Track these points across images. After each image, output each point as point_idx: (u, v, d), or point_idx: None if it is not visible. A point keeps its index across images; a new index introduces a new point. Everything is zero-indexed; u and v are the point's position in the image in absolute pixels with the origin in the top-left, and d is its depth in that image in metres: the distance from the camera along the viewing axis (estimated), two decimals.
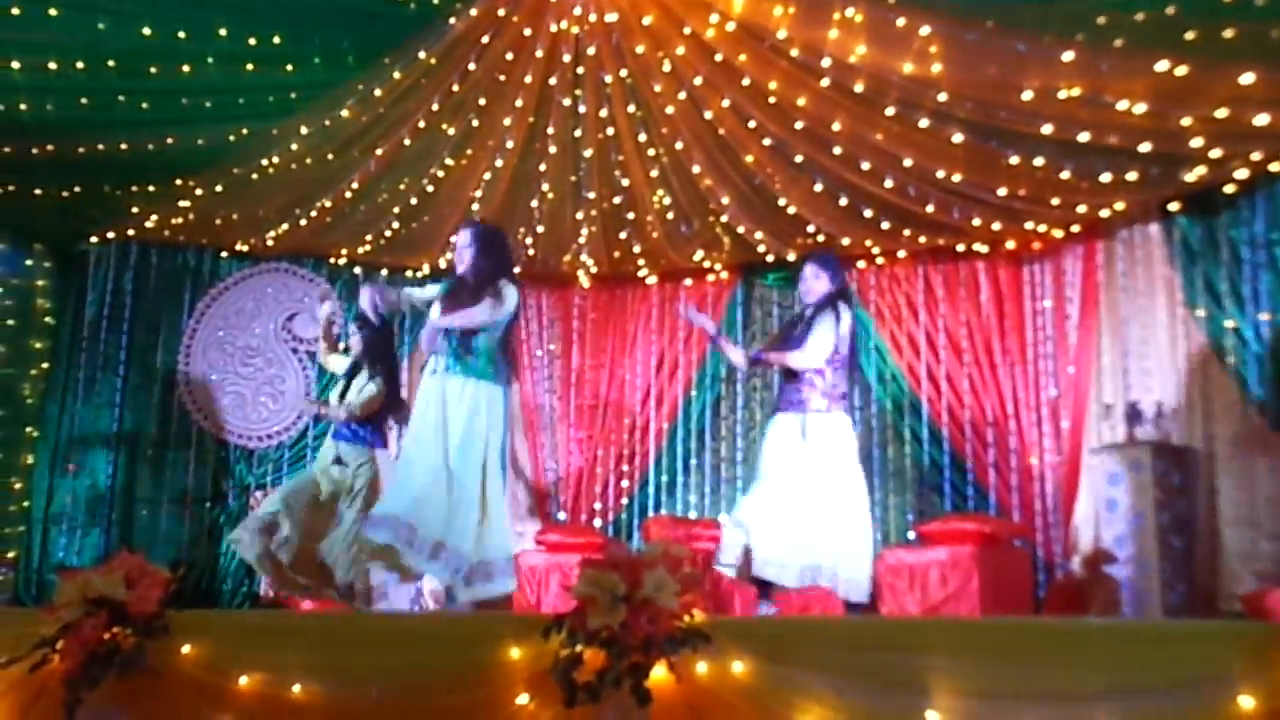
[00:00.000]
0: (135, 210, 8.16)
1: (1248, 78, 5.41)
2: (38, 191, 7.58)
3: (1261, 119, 5.75)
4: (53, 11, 5.67)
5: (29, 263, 8.63)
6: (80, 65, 6.11)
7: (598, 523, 9.15)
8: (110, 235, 8.70)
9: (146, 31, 5.93)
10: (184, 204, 8.01)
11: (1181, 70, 5.45)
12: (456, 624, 4.52)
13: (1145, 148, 6.28)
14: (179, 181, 7.63)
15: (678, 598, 3.36)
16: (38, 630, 3.90)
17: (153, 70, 6.28)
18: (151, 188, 7.74)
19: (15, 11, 5.61)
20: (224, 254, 9.06)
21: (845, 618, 5.30)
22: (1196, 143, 6.11)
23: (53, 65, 6.09)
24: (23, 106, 6.45)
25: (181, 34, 6.02)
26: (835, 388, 5.67)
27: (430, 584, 7.71)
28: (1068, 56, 5.58)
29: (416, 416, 5.33)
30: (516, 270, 6.02)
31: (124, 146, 6.98)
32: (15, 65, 6.06)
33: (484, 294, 5.26)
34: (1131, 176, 6.60)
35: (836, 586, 5.45)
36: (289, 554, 6.10)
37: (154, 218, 8.33)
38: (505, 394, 5.55)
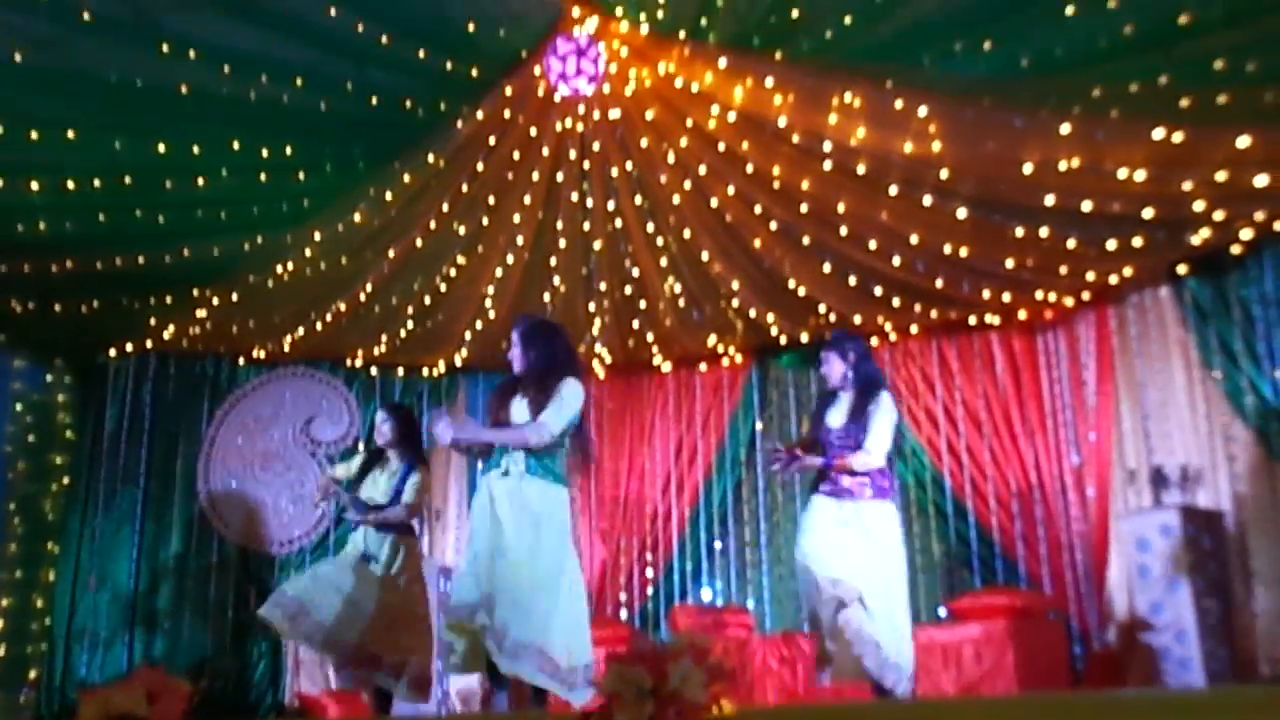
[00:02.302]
0: (153, 322, 8.24)
1: (1244, 141, 5.48)
2: (57, 307, 7.66)
3: (1261, 180, 5.81)
4: (70, 134, 5.81)
5: (49, 378, 8.67)
6: (98, 183, 6.22)
7: (624, 614, 9.06)
8: (129, 348, 8.76)
9: (162, 148, 6.06)
10: (201, 313, 8.10)
11: (1178, 136, 5.53)
12: None
13: (1149, 213, 6.34)
14: (196, 292, 7.72)
15: (706, 688, 3.31)
16: None
17: (168, 184, 6.39)
18: (169, 299, 7.83)
19: (34, 135, 5.74)
20: (241, 361, 9.11)
21: (878, 702, 5.19)
22: (1199, 206, 6.17)
23: (71, 184, 6.19)
24: (42, 226, 6.54)
25: (196, 148, 6.15)
26: (888, 475, 5.43)
27: (458, 684, 7.64)
28: (1065, 129, 5.66)
29: (487, 519, 4.77)
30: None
31: (141, 260, 7.08)
32: (35, 186, 6.17)
33: (548, 396, 4.80)
34: (1137, 242, 6.65)
35: (876, 670, 5.26)
36: (321, 640, 5.84)
37: (171, 328, 8.41)
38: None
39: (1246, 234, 6.58)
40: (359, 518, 6.05)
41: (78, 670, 8.16)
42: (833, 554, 5.27)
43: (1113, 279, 7.45)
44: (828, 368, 5.61)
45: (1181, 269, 7.11)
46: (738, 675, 7.36)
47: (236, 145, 6.18)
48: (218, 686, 8.19)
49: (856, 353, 5.55)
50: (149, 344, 8.73)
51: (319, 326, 8.44)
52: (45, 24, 5.16)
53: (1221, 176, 5.79)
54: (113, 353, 8.80)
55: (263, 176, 6.53)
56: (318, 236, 7.09)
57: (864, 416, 5.36)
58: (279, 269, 7.46)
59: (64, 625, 8.27)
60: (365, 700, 6.26)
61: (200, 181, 6.39)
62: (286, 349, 8.93)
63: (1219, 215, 6.28)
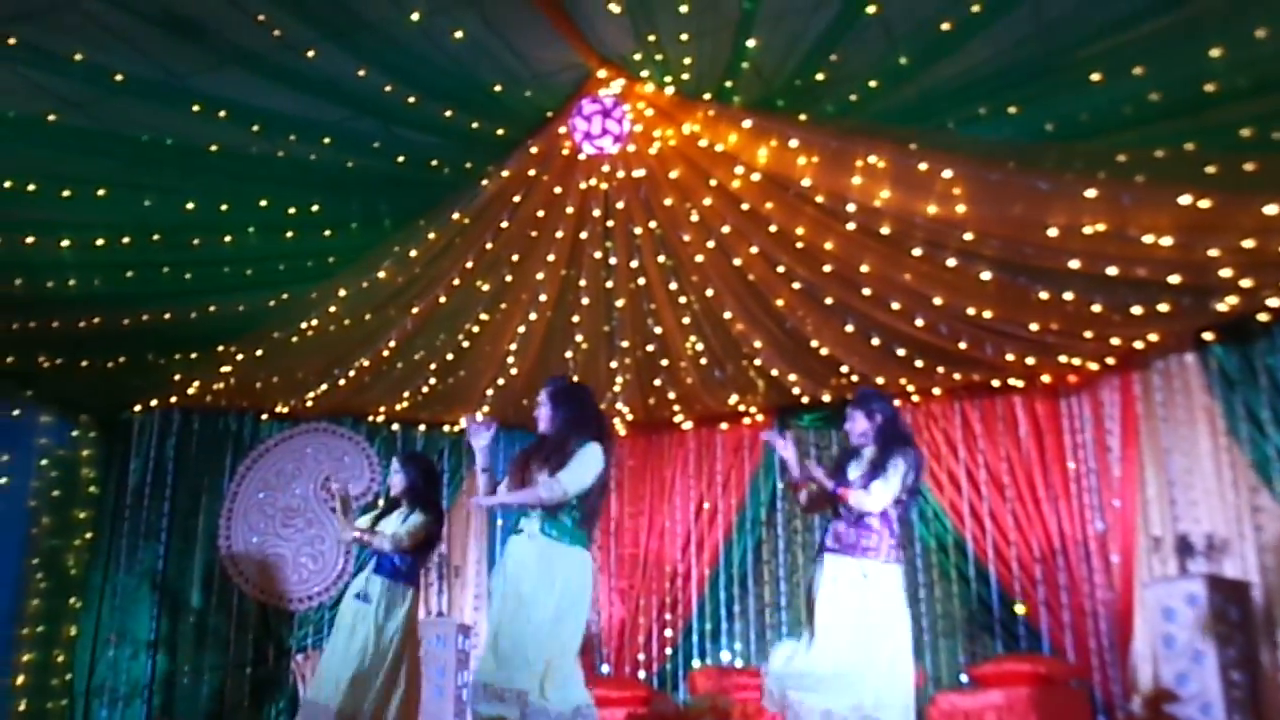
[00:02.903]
0: (178, 378, 8.30)
1: (1272, 208, 5.44)
2: (84, 363, 7.72)
3: None
4: (101, 192, 5.88)
5: (74, 434, 8.73)
6: (126, 240, 6.28)
7: (642, 674, 8.95)
8: (153, 403, 8.81)
9: (190, 206, 6.14)
10: (225, 369, 8.15)
11: (1205, 203, 5.50)
12: None
13: (1175, 279, 6.30)
14: (220, 348, 7.78)
15: None
16: None
17: (196, 242, 6.46)
18: (194, 355, 7.88)
19: (66, 193, 5.82)
20: (264, 416, 9.15)
21: None
22: (1226, 273, 6.13)
23: (100, 241, 6.26)
24: (71, 282, 6.62)
25: (224, 206, 6.22)
26: (896, 537, 5.31)
27: None
28: (1090, 193, 5.64)
29: (508, 580, 4.71)
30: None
31: (167, 316, 7.14)
32: (65, 244, 6.24)
33: (568, 458, 4.71)
34: (1163, 308, 6.60)
35: None
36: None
37: (196, 384, 8.46)
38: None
39: (1274, 302, 6.53)
40: (351, 532, 5.85)
41: None
42: (836, 635, 5.15)
43: (1138, 344, 7.41)
44: (851, 424, 5.49)
45: (1207, 335, 7.05)
46: None
47: (264, 203, 6.24)
48: None
49: (884, 415, 5.42)
50: (173, 399, 8.79)
51: (342, 382, 8.47)
52: (78, 85, 5.24)
53: (1249, 244, 5.75)
54: (137, 408, 8.86)
55: (289, 234, 6.60)
56: (342, 293, 7.14)
57: (882, 470, 5.22)
58: (304, 325, 7.50)
59: (84, 681, 8.26)
60: None
61: (227, 239, 6.46)
62: (309, 405, 8.96)
63: (1246, 282, 6.23)
